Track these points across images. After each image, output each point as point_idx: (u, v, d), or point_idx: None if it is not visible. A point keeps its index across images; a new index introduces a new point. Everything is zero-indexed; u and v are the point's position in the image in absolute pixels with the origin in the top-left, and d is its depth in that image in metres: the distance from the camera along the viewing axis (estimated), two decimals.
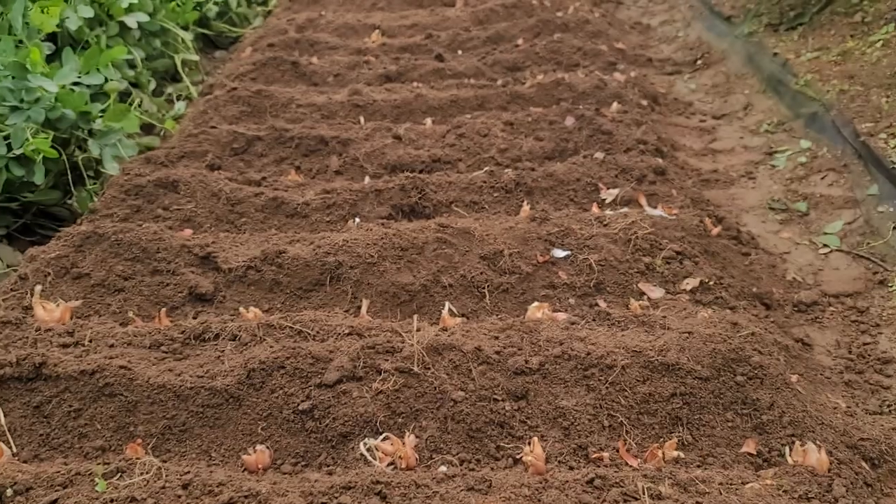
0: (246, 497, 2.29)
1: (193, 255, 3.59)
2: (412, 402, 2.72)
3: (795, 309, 3.70)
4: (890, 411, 3.10)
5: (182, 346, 3.02)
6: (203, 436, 2.68)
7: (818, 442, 2.64)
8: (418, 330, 2.96)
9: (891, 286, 3.78)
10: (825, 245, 4.19)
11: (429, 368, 2.78)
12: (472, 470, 2.52)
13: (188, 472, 2.38)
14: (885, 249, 4.01)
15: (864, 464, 2.75)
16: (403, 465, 2.54)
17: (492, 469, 2.55)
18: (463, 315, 3.36)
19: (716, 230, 4.02)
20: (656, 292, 3.43)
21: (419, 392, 2.74)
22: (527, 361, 2.79)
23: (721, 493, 2.23)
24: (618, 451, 2.58)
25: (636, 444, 2.63)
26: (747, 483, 2.39)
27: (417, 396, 2.73)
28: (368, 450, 2.56)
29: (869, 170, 4.53)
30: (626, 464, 2.53)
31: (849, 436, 2.82)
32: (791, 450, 2.59)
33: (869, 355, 3.40)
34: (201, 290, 3.44)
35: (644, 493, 2.21)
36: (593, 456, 2.58)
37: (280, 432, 2.68)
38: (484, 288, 3.45)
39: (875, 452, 2.79)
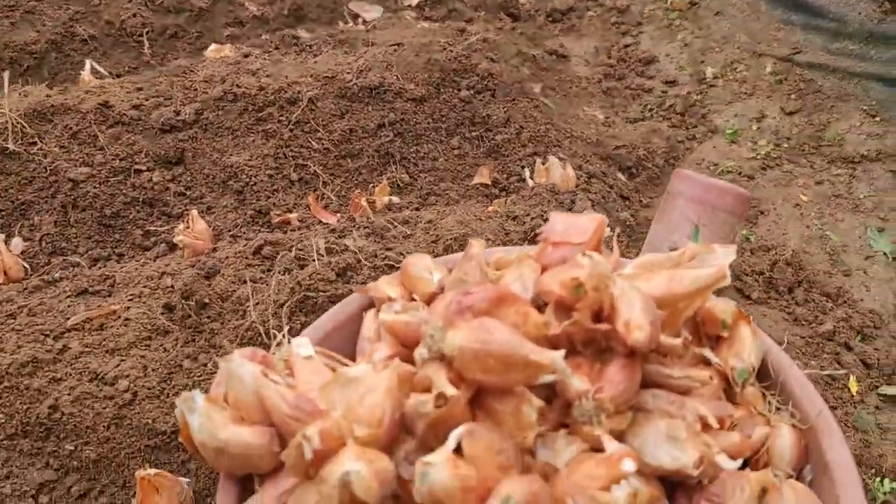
0: None
1: None
2: (14, 193, 1.88)
3: (549, 19, 3.09)
4: (652, 115, 2.64)
5: None
6: None
7: (563, 156, 2.10)
8: (25, 95, 2.05)
9: None
10: None
11: (35, 143, 1.92)
12: (101, 268, 1.78)
13: None
14: None
15: (620, 175, 2.28)
16: (2, 277, 1.75)
17: (137, 262, 1.81)
18: (118, 75, 2.46)
19: None
20: (372, 12, 2.66)
21: (23, 177, 1.89)
22: (178, 113, 1.99)
23: (428, 231, 1.62)
24: (309, 208, 1.91)
25: (337, 196, 1.97)
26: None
27: (22, 184, 1.89)
28: None
29: None
30: (321, 222, 1.87)
31: (603, 146, 2.32)
32: (532, 171, 2.04)
33: (630, 58, 2.89)
34: None
35: (320, 248, 1.56)
36: (277, 220, 1.90)
37: None
38: (142, 35, 2.53)
39: (632, 160, 2.32)
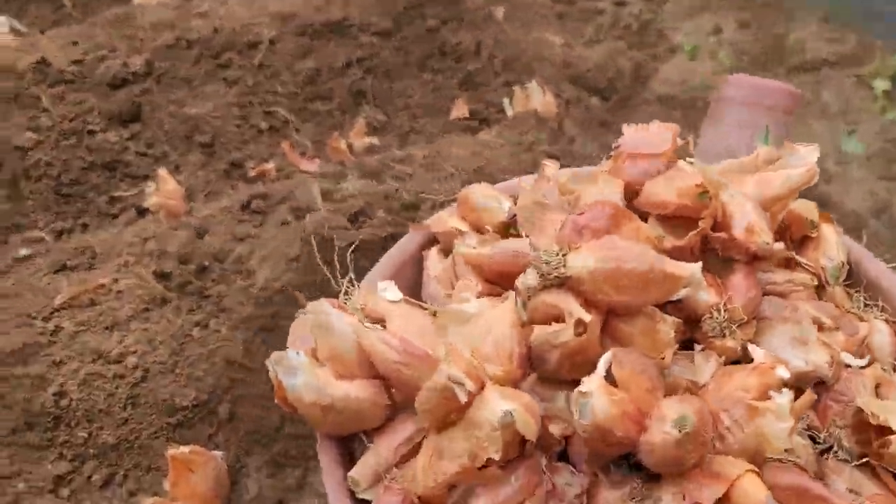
0: None
1: None
2: None
3: None
4: (607, 37, 2.60)
5: None
6: None
7: (540, 83, 2.04)
8: None
9: None
10: None
11: None
12: (69, 240, 1.62)
13: None
14: None
15: (593, 99, 2.24)
16: None
17: (109, 231, 1.66)
18: (41, 31, 2.23)
19: None
20: None
21: None
22: (126, 65, 1.81)
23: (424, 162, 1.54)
24: (286, 157, 1.79)
25: (311, 141, 1.85)
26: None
27: None
28: None
29: None
30: (301, 170, 1.76)
31: (573, 68, 2.27)
32: (511, 99, 1.97)
33: None
34: None
35: (317, 195, 1.47)
36: (254, 173, 1.77)
37: None
38: None
39: (603, 82, 2.29)
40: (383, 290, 0.81)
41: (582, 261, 0.70)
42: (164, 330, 1.32)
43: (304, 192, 1.54)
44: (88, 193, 1.72)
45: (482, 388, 0.66)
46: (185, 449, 1.15)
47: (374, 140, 1.85)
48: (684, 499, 0.63)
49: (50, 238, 1.65)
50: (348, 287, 0.87)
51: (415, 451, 0.74)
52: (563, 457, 0.72)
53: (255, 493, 1.20)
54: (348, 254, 1.30)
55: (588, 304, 0.70)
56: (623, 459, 0.70)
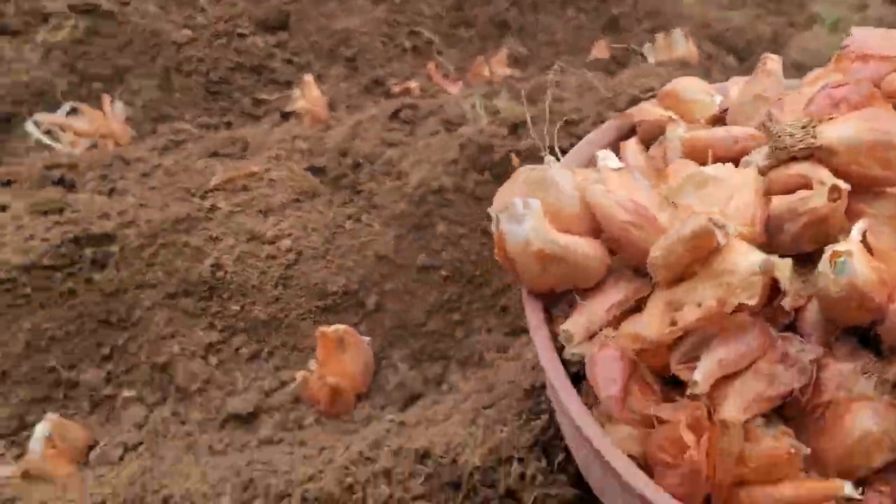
0: None
1: None
2: (112, 56, 1.74)
3: None
4: (747, 3, 2.52)
5: None
6: None
7: (686, 33, 1.99)
8: None
9: None
10: None
11: (127, 3, 1.77)
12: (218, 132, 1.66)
13: None
14: None
15: (730, 58, 2.18)
16: (112, 145, 1.63)
17: (254, 129, 1.69)
18: None
19: None
20: None
21: (120, 41, 1.75)
22: None
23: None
24: (430, 78, 1.80)
25: (453, 66, 1.85)
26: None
27: (119, 48, 1.74)
28: (47, 132, 1.60)
29: None
30: (444, 91, 1.76)
31: (712, 28, 2.22)
32: (653, 45, 1.94)
33: None
34: None
35: (479, 108, 1.46)
36: (396, 90, 1.78)
37: None
38: None
39: (741, 44, 2.23)
40: (604, 159, 0.80)
41: (838, 131, 0.67)
42: (317, 219, 1.34)
43: (454, 107, 1.54)
44: (234, 93, 1.76)
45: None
46: (340, 327, 1.17)
47: (516, 72, 1.84)
48: None
49: (196, 132, 1.69)
50: (553, 159, 0.86)
51: (625, 315, 0.73)
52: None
53: (396, 384, 1.21)
54: (512, 158, 1.30)
55: (838, 175, 0.68)
56: (853, 334, 0.68)
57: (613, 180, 0.78)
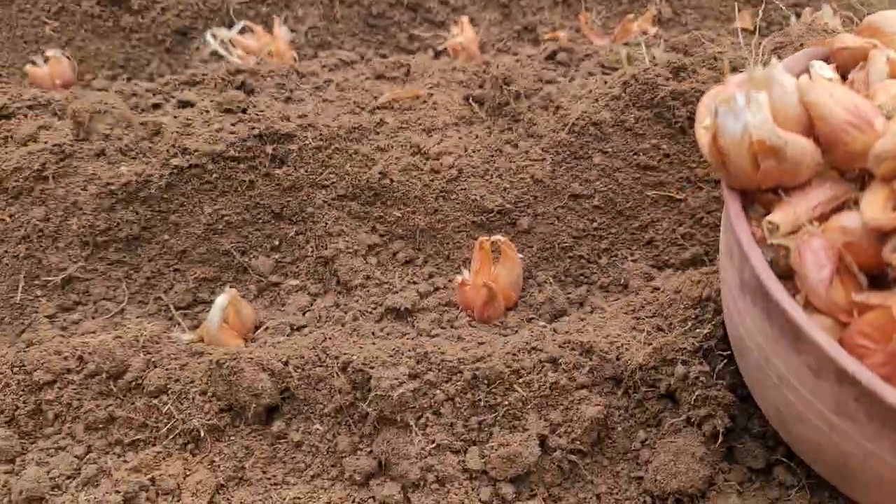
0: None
1: None
2: None
3: None
4: None
5: None
6: None
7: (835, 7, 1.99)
8: None
9: None
10: None
11: None
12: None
13: None
14: None
15: None
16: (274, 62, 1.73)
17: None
18: None
19: None
20: None
21: None
22: None
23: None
24: (578, 30, 1.84)
25: (601, 22, 1.89)
26: None
27: None
28: (222, 42, 1.71)
29: None
30: (591, 44, 1.81)
31: (857, 11, 2.19)
32: (799, 18, 1.94)
33: None
34: None
35: (625, 61, 1.51)
36: (546, 37, 1.83)
37: (83, 33, 1.78)
38: None
39: None
40: (819, 69, 0.84)
41: None
42: (477, 142, 1.41)
43: (610, 53, 1.59)
44: (391, 28, 1.84)
45: None
46: (499, 237, 1.23)
47: (661, 32, 1.87)
48: None
49: (357, 59, 1.78)
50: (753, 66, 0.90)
51: (829, 214, 0.77)
52: None
53: (543, 300, 1.27)
54: (671, 101, 1.34)
55: None
56: None
57: (826, 90, 0.82)
